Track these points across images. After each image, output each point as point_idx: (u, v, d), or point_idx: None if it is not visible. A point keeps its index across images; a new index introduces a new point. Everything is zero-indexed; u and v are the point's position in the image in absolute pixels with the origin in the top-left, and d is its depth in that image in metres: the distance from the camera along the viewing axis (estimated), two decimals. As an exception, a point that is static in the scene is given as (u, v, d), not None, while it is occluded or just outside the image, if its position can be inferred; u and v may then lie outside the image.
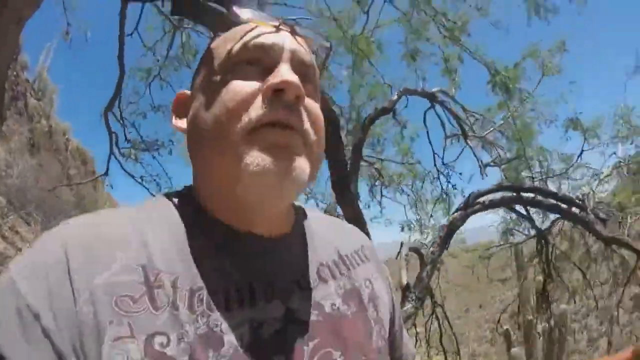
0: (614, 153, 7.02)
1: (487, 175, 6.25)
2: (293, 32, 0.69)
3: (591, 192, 6.31)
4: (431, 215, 7.31)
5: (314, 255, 0.72)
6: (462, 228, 5.75)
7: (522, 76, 6.10)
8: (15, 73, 9.34)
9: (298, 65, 0.66)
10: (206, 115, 0.63)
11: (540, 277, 7.14)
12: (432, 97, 5.97)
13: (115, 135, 4.93)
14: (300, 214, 0.78)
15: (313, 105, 0.67)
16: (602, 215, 6.19)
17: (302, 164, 0.61)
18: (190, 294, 0.57)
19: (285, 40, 0.66)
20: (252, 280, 0.62)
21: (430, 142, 6.56)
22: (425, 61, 6.07)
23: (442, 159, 6.63)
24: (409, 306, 4.85)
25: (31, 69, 11.01)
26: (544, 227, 6.96)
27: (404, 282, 5.19)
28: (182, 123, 0.72)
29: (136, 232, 0.60)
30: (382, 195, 7.45)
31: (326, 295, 0.68)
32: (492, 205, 5.74)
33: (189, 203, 0.68)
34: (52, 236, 0.58)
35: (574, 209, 5.66)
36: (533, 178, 6.67)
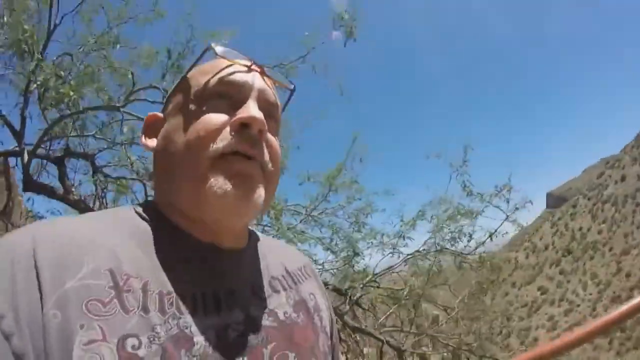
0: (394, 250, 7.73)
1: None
2: (262, 73, 0.79)
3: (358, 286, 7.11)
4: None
5: (265, 269, 0.82)
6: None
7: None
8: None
9: (264, 103, 0.76)
10: (178, 139, 0.72)
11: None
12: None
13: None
14: (252, 235, 0.88)
15: (273, 140, 0.77)
16: (363, 306, 7.25)
17: (259, 191, 0.71)
18: (160, 297, 0.62)
19: (255, 79, 0.77)
20: (215, 288, 0.70)
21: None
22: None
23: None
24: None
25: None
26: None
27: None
28: (152, 142, 0.81)
29: (104, 238, 0.65)
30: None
31: (279, 305, 0.77)
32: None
33: (154, 215, 0.74)
34: (22, 234, 0.61)
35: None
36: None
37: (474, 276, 8.90)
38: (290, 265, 0.90)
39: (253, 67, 0.79)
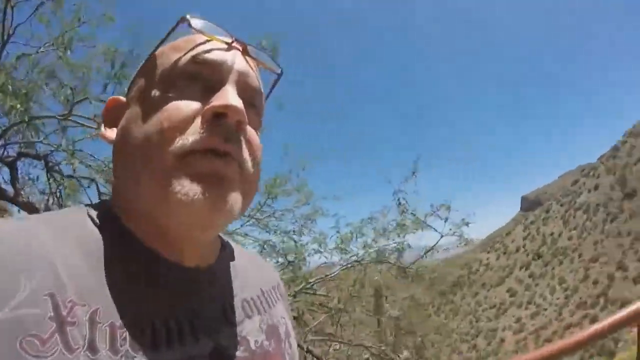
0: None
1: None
2: (245, 52, 0.67)
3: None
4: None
5: (238, 290, 0.72)
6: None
7: None
8: None
9: (244, 88, 0.64)
10: (138, 131, 0.60)
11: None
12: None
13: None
14: (226, 247, 0.77)
15: (253, 134, 0.65)
16: (293, 313, 7.72)
17: (235, 197, 0.59)
18: (111, 330, 0.51)
19: (235, 59, 0.64)
20: (179, 315, 0.59)
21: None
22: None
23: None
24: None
25: None
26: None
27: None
28: (111, 133, 0.68)
29: (44, 251, 0.51)
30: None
31: (251, 331, 0.68)
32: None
33: (109, 221, 0.62)
34: None
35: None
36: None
37: (411, 289, 9.29)
38: (265, 285, 0.80)
39: (234, 44, 0.66)
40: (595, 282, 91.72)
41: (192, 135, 0.57)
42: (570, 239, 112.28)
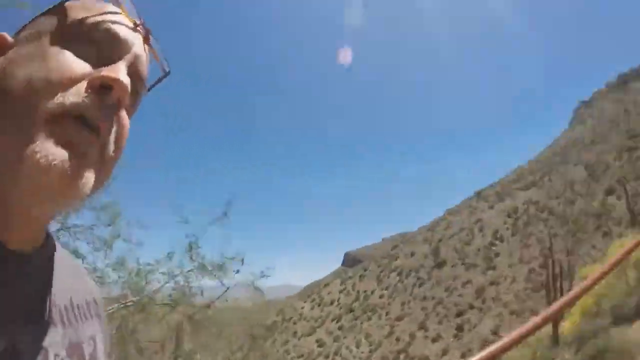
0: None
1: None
2: (146, 39, 0.67)
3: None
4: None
5: (52, 292, 0.65)
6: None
7: None
8: None
9: (134, 72, 0.64)
10: (21, 73, 0.56)
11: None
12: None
13: None
14: (50, 239, 0.69)
15: (126, 120, 0.63)
16: None
17: (89, 176, 0.57)
18: None
19: (136, 42, 0.65)
20: None
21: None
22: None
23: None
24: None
25: None
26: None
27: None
28: None
29: None
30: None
31: (53, 342, 0.61)
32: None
33: None
34: None
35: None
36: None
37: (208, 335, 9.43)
38: (77, 297, 0.73)
39: (139, 28, 0.66)
40: (398, 339, 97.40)
41: (73, 96, 0.55)
42: (381, 297, 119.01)
